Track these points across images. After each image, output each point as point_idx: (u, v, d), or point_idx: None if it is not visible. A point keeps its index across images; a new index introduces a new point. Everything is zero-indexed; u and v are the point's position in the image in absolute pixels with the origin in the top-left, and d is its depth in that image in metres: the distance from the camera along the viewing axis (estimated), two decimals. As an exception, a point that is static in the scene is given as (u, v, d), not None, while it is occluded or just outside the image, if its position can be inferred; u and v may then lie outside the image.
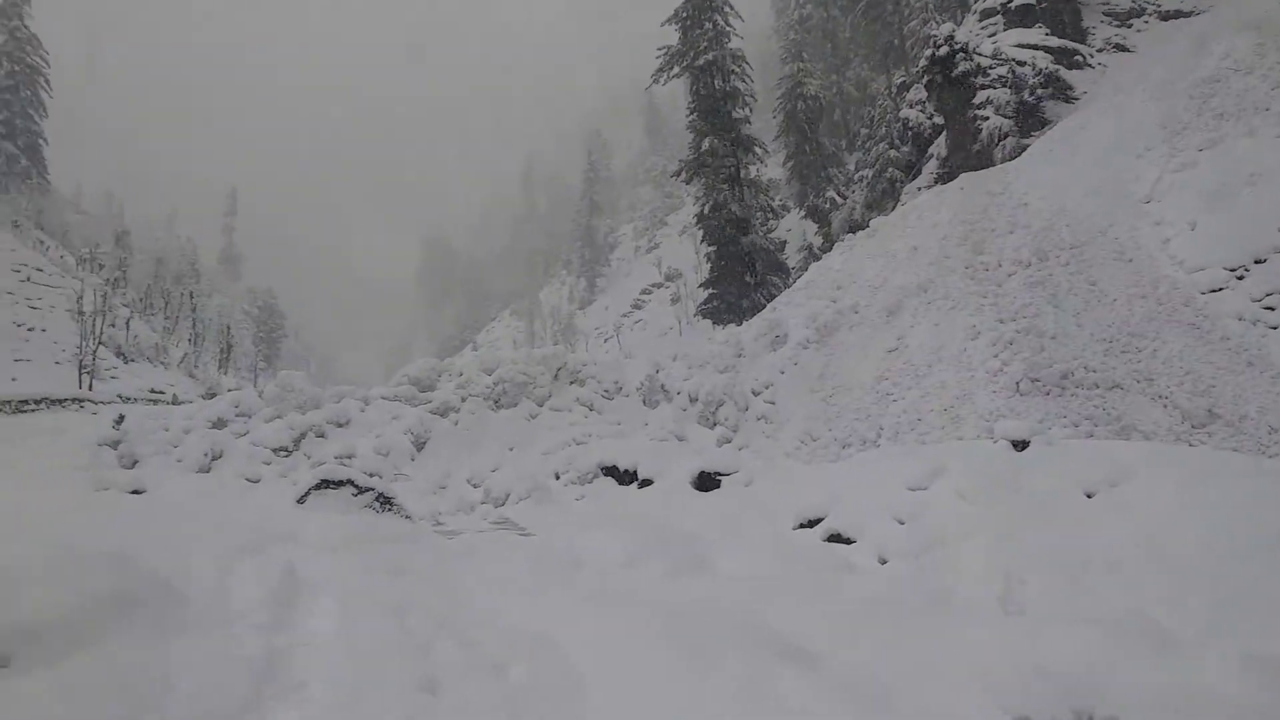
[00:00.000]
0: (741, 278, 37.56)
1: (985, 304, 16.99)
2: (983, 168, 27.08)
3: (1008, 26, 31.88)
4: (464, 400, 21.12)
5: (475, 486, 17.46)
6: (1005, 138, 28.00)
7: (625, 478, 16.46)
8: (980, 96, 28.77)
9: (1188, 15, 30.64)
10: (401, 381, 21.97)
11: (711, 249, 38.44)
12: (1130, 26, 31.37)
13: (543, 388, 21.96)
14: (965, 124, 29.33)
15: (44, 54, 61.73)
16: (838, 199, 44.08)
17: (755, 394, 19.63)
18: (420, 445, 19.36)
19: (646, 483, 15.78)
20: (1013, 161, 25.64)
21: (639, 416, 20.96)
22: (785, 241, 40.97)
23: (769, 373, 19.94)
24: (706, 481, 14.73)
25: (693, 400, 20.29)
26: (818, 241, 42.60)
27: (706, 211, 37.80)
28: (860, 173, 39.64)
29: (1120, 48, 30.36)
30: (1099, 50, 30.24)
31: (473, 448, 19.47)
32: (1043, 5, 31.22)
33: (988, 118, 28.40)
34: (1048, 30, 30.68)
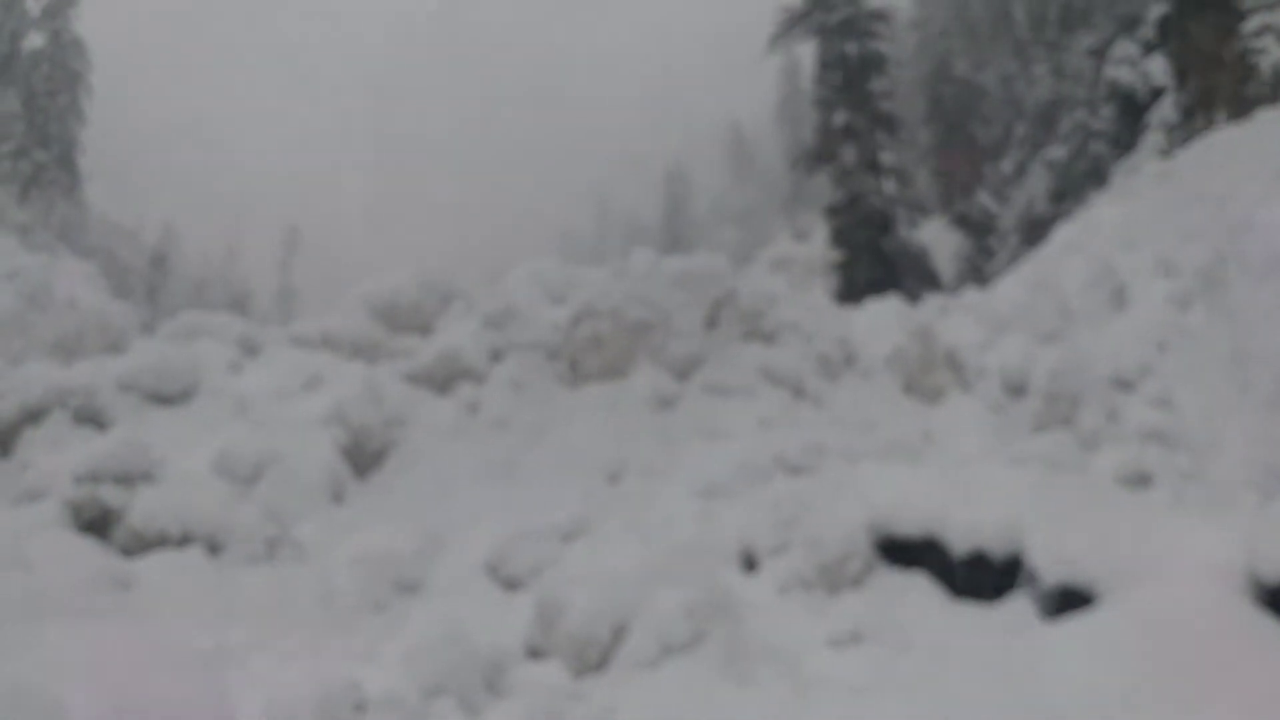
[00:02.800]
0: (882, 290, 30.09)
1: None
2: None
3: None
4: (496, 358, 12.50)
5: (509, 588, 9.47)
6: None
7: (959, 573, 8.38)
8: (1253, 23, 21.75)
9: None
10: (355, 309, 13.47)
11: (841, 257, 31.09)
12: None
13: (686, 339, 13.37)
14: (1227, 63, 22.23)
15: (87, 59, 57.36)
16: (991, 207, 37.11)
17: (1126, 385, 11.58)
18: (372, 459, 11.06)
19: (1071, 599, 7.67)
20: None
21: (905, 416, 12.90)
22: (930, 248, 33.77)
23: (1135, 348, 11.94)
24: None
25: (1014, 390, 12.26)
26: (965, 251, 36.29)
27: (837, 205, 30.54)
28: (1023, 164, 33.11)
29: None
30: None
31: (509, 471, 11.42)
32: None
33: (1263, 50, 21.14)
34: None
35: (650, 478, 11.64)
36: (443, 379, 12.76)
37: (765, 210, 71.49)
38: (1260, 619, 7.75)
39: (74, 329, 12.22)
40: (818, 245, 38.06)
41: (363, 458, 11.43)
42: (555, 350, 13.32)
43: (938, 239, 40.93)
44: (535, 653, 8.09)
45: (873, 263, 30.43)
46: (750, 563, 10.22)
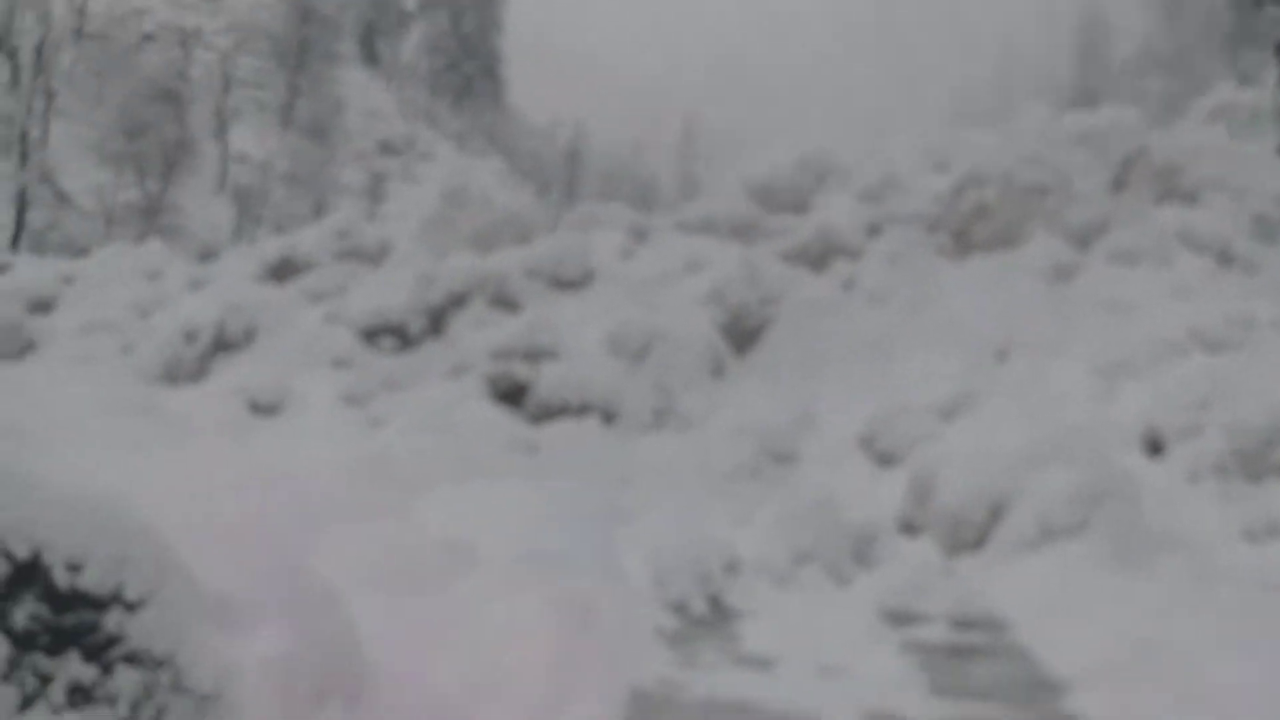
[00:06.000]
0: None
1: None
2: None
3: None
4: (873, 232, 11.90)
5: (883, 463, 9.11)
6: None
7: None
8: None
9: None
10: (734, 192, 13.51)
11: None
12: None
13: (1087, 203, 12.22)
14: None
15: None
16: None
17: None
18: (749, 336, 10.97)
19: None
20: None
21: None
22: None
23: None
24: None
25: None
26: None
27: None
28: None
29: None
30: None
31: (885, 346, 11.03)
32: None
33: None
34: None
35: (1042, 354, 10.87)
36: (818, 256, 12.70)
37: (1199, 54, 62.30)
38: None
39: (489, 224, 13.62)
40: (1267, 89, 32.72)
41: (741, 335, 11.77)
42: (936, 221, 12.71)
43: None
44: (907, 528, 8.02)
45: (1335, 105, 25.78)
46: (1155, 446, 9.31)
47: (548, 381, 9.97)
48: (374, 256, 14.01)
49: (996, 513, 7.33)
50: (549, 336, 10.52)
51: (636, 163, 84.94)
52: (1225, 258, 12.92)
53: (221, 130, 38.23)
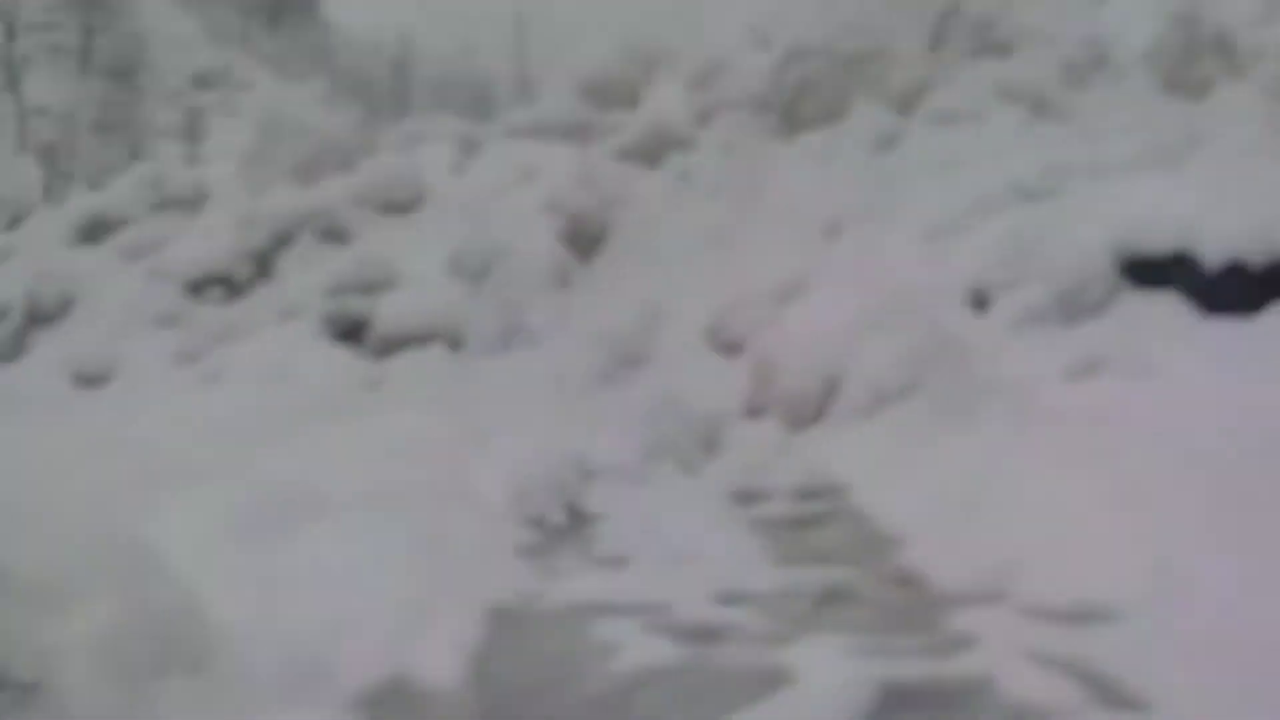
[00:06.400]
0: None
1: None
2: None
3: None
4: (704, 120, 12.07)
5: (729, 353, 9.43)
6: None
7: (1212, 286, 7.84)
8: None
9: None
10: (564, 92, 13.57)
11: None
12: None
13: (907, 66, 12.58)
14: None
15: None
16: None
17: None
18: (591, 242, 11.29)
19: None
20: None
21: (1164, 118, 11.88)
22: None
23: None
24: None
25: None
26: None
27: None
28: None
29: None
30: None
31: (725, 238, 11.30)
32: None
33: None
34: None
35: (872, 224, 11.17)
36: (653, 150, 12.65)
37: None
38: None
39: (310, 154, 13.06)
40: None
41: (583, 241, 11.72)
42: (764, 102, 12.77)
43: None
44: (753, 412, 8.26)
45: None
46: (981, 301, 9.73)
47: (387, 313, 9.77)
48: (192, 203, 13.34)
49: (832, 386, 7.61)
50: (383, 267, 10.26)
51: (469, 68, 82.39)
52: (1039, 106, 13.41)
53: (13, 82, 35.39)
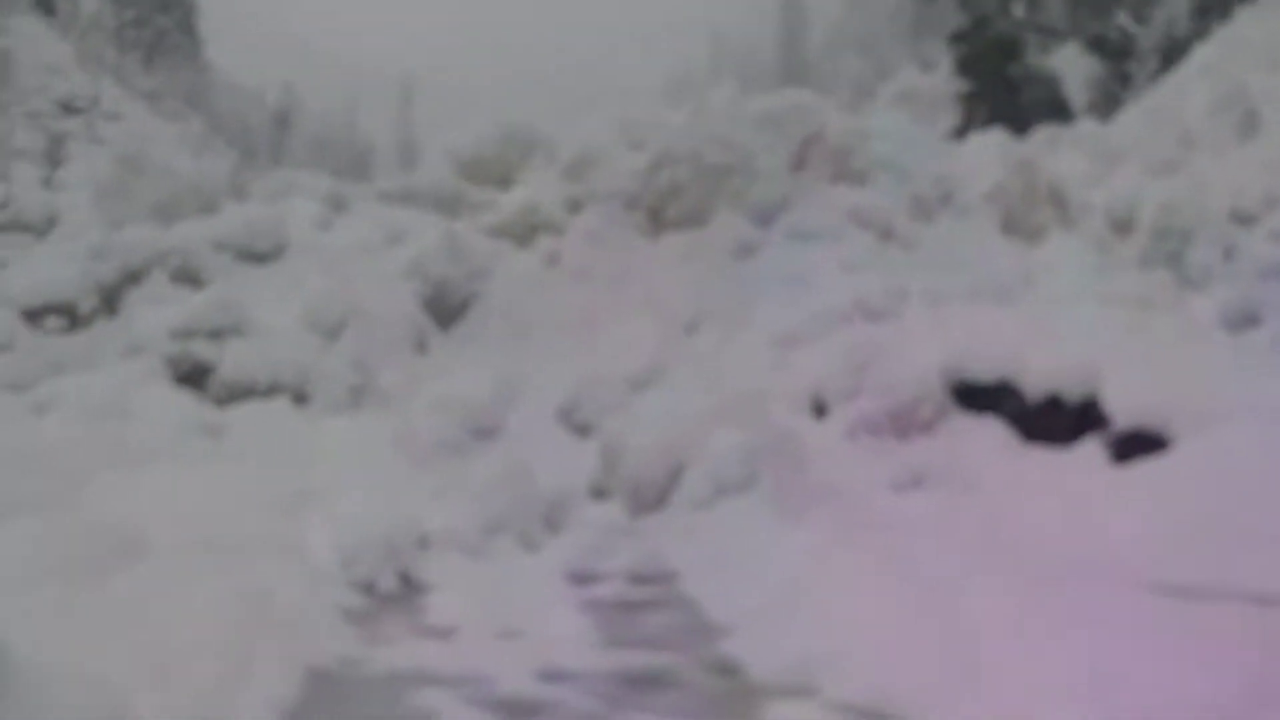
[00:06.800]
0: (1009, 123, 28.73)
1: None
2: None
3: None
4: (575, 208, 12.57)
5: (580, 433, 9.70)
6: None
7: (1033, 416, 8.35)
8: None
9: None
10: (440, 163, 13.92)
11: (966, 87, 29.89)
12: None
13: (769, 182, 13.26)
14: None
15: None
16: (1129, 28, 34.60)
17: (1246, 219, 11.09)
18: (453, 311, 11.52)
19: (1143, 443, 7.80)
20: None
21: (1000, 256, 12.61)
22: (1062, 76, 31.93)
23: (1260, 178, 11.29)
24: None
25: (1119, 227, 11.88)
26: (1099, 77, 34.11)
27: (963, 31, 29.36)
28: None
29: None
30: None
31: (586, 321, 11.63)
32: None
33: None
34: None
35: (727, 326, 11.63)
36: (523, 231, 12.90)
37: (887, 40, 67.79)
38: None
39: (171, 193, 12.75)
40: (943, 75, 36.40)
41: (444, 309, 11.77)
42: (634, 199, 13.24)
43: (1070, 65, 38.31)
44: (598, 493, 8.39)
45: (999, 93, 29.00)
46: (821, 409, 10.22)
47: (233, 361, 9.55)
48: (39, 228, 12.79)
49: (675, 474, 7.83)
50: (235, 313, 10.06)
51: (350, 127, 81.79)
52: (887, 234, 14.30)
53: None
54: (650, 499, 7.84)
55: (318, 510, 7.43)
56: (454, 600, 6.35)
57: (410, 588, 6.75)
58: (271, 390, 9.49)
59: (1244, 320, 12.05)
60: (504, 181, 14.10)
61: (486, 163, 14.29)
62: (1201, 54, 21.33)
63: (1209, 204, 13.65)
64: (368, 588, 6.59)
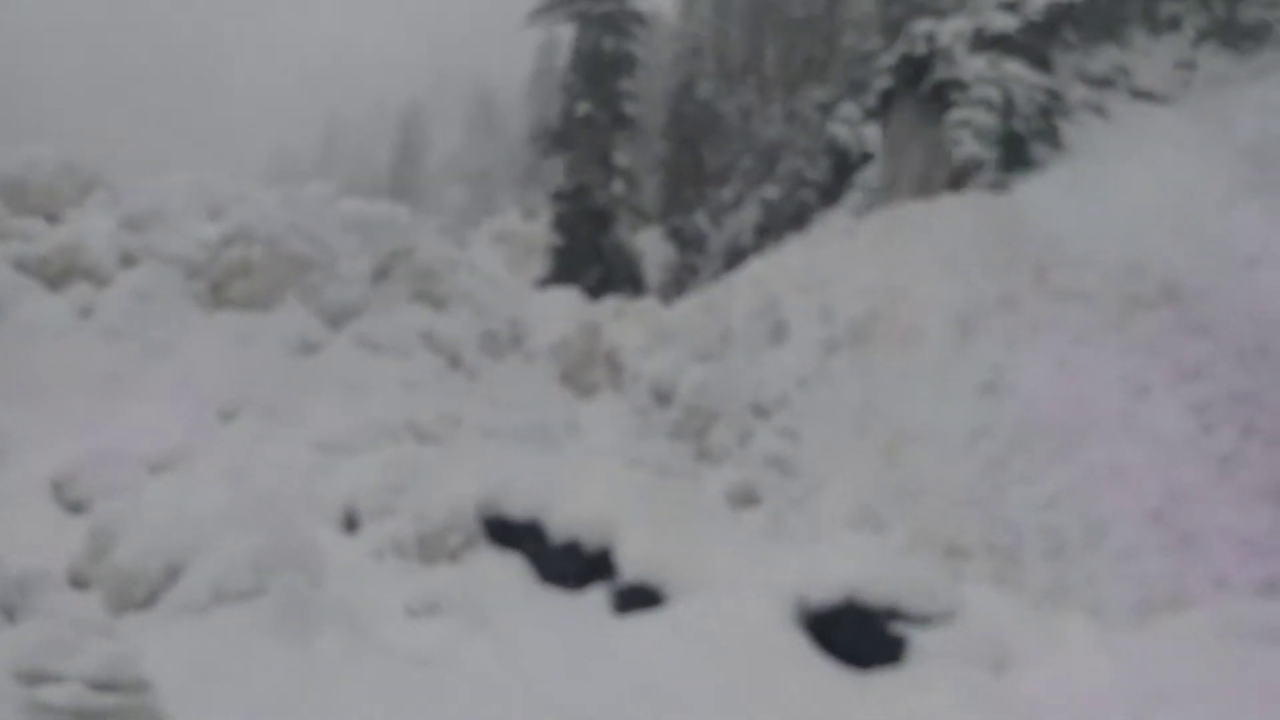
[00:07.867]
0: (591, 284, 30.95)
1: (1136, 345, 10.27)
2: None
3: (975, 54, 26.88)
4: (128, 262, 11.70)
5: (73, 510, 8.84)
6: (981, 170, 22.50)
7: (553, 559, 8.52)
8: (957, 116, 23.39)
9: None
10: None
11: (559, 243, 31.74)
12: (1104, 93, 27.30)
13: (348, 285, 12.99)
14: (929, 148, 24.05)
15: None
16: (704, 228, 39.26)
17: (762, 412, 12.26)
18: None
19: (643, 597, 8.02)
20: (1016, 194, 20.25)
21: (554, 404, 12.97)
22: (643, 254, 35.04)
23: (779, 380, 12.69)
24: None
25: (660, 398, 12.65)
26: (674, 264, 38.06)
27: (565, 192, 31.28)
28: (741, 195, 35.02)
29: (1098, 111, 26.02)
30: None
31: (114, 387, 10.71)
32: (1023, 41, 26.18)
33: (960, 143, 23.00)
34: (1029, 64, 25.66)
35: (270, 420, 11.07)
36: (58, 273, 11.50)
37: (500, 178, 70.56)
38: (798, 639, 8.49)
39: None
40: (542, 226, 38.50)
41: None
42: (198, 269, 12.37)
43: (652, 247, 42.27)
44: (79, 581, 7.44)
45: (588, 256, 30.92)
46: (352, 523, 9.96)
47: None
48: None
49: (173, 573, 7.16)
50: None
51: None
52: (456, 362, 14.59)
53: None
54: (138, 596, 7.08)
55: None
56: None
57: None
58: None
59: (746, 499, 13.68)
60: (52, 216, 12.59)
61: (33, 190, 12.71)
62: (754, 266, 24.34)
63: (735, 393, 15.48)
64: None
